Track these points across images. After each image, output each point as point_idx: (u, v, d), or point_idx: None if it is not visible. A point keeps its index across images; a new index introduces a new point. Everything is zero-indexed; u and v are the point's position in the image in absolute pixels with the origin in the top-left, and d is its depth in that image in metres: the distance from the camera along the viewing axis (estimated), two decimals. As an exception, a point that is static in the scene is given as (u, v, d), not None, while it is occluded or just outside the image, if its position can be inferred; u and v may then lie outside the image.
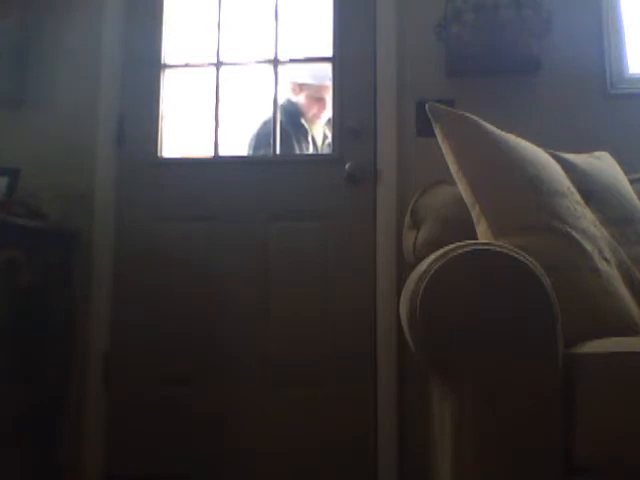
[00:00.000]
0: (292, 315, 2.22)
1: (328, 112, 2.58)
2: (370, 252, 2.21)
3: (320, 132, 2.67)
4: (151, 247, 2.31)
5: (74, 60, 2.40)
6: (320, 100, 2.63)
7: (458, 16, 2.04)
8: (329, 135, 2.64)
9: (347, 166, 2.22)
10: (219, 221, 2.30)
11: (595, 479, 0.96)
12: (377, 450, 2.13)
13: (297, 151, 2.57)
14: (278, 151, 2.38)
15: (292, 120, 2.57)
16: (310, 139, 2.62)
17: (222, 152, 2.40)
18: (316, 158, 2.55)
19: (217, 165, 2.39)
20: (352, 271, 2.21)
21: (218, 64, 2.41)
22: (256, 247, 2.27)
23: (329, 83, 2.42)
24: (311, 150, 2.63)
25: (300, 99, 2.70)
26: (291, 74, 2.65)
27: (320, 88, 2.61)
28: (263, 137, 2.49)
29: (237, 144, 2.60)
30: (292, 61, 2.43)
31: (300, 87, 2.68)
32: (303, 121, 2.61)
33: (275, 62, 2.38)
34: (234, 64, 2.45)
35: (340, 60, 2.33)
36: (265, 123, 2.51)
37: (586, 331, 1.09)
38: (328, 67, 2.38)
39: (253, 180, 2.31)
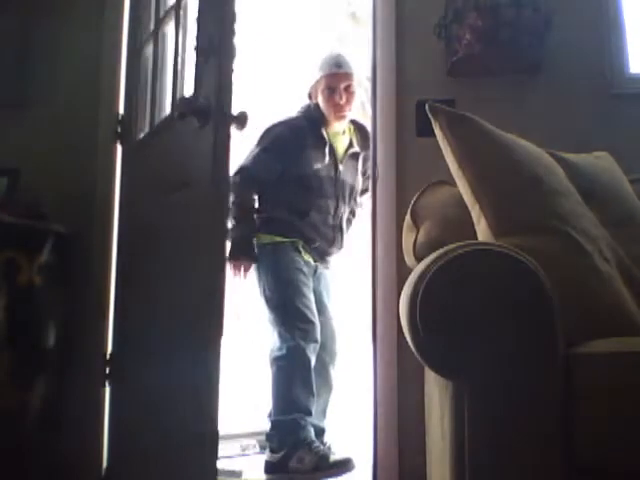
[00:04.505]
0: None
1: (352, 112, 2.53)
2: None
3: (344, 140, 2.58)
4: (151, 247, 2.31)
5: (74, 60, 2.39)
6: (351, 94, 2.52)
7: (458, 16, 2.04)
8: (355, 142, 2.56)
9: None
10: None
11: (595, 479, 0.96)
12: (377, 450, 2.13)
13: (313, 162, 2.47)
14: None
15: (313, 130, 2.48)
16: (327, 150, 2.50)
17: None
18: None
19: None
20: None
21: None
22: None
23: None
24: (327, 161, 2.49)
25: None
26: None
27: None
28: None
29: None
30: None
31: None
32: (324, 132, 2.50)
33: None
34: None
35: (340, 60, 2.33)
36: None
37: (586, 331, 1.09)
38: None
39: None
